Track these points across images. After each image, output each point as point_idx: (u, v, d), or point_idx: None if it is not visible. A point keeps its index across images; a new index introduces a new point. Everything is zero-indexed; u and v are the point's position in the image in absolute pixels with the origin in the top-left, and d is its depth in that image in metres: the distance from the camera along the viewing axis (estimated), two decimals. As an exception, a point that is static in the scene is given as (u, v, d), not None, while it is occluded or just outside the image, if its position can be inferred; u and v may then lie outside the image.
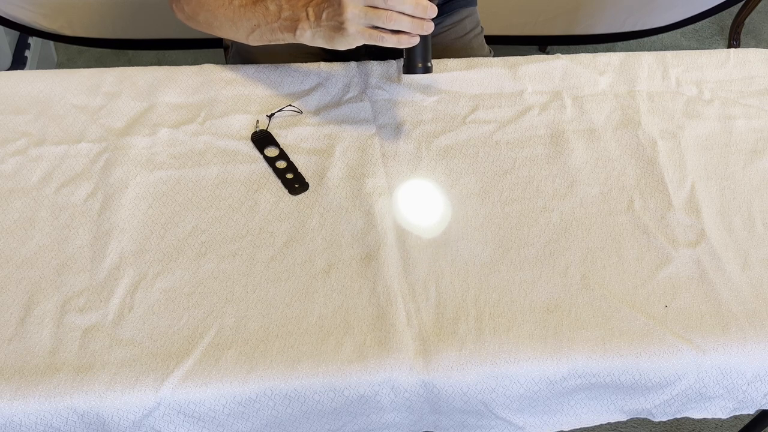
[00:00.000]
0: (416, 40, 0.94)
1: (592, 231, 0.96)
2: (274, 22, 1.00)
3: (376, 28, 0.93)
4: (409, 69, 0.97)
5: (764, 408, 0.92)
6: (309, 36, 0.98)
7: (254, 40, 1.04)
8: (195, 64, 1.13)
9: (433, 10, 0.92)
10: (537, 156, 1.04)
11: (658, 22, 1.98)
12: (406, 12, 0.91)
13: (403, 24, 0.92)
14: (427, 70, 0.97)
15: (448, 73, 1.13)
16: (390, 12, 0.91)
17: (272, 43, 1.03)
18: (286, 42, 1.02)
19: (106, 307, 0.86)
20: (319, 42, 0.98)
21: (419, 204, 0.98)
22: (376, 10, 0.92)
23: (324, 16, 0.95)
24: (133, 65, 1.19)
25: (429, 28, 0.93)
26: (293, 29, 0.99)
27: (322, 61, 1.15)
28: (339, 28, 0.94)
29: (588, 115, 1.09)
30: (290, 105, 1.08)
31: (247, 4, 1.03)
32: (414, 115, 1.08)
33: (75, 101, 1.07)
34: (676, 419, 1.60)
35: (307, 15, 0.97)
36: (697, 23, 2.25)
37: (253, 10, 1.02)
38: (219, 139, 1.04)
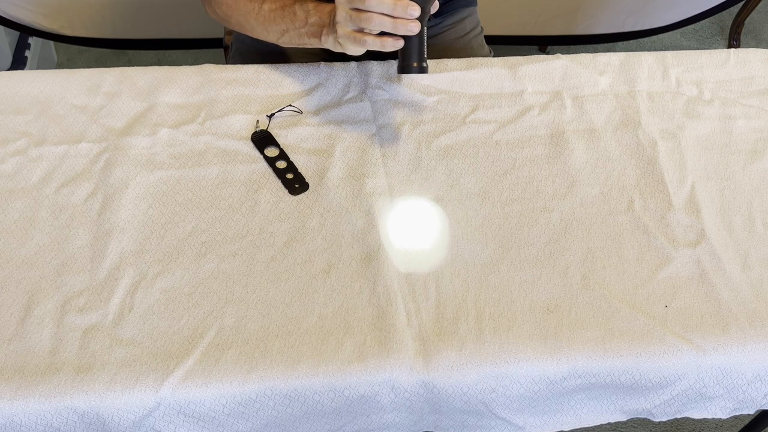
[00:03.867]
0: (401, 43, 0.93)
1: (592, 231, 0.96)
2: (301, 28, 1.02)
3: (368, 32, 0.93)
4: (403, 69, 0.97)
5: (764, 408, 0.92)
6: (332, 42, 0.99)
7: (285, 43, 1.07)
8: (195, 64, 1.13)
9: (414, 9, 0.91)
10: (537, 156, 1.04)
11: (658, 22, 1.98)
12: (385, 12, 0.91)
13: (385, 25, 0.91)
14: (422, 70, 0.97)
15: (448, 73, 1.13)
16: (370, 13, 0.91)
17: (302, 46, 1.05)
18: (314, 47, 1.03)
19: (106, 307, 0.86)
20: (339, 48, 0.98)
21: (419, 204, 0.98)
22: (359, 13, 0.92)
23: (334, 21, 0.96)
24: (133, 65, 1.19)
25: (414, 29, 0.92)
26: (319, 35, 1.00)
27: (323, 61, 1.15)
28: (335, 32, 0.95)
29: (588, 115, 1.09)
30: (290, 105, 1.08)
31: (275, 9, 1.04)
32: (414, 115, 1.08)
33: (75, 101, 1.07)
34: (676, 419, 1.60)
35: (330, 22, 0.98)
36: (697, 23, 2.25)
37: (282, 15, 1.03)
38: (219, 139, 1.04)
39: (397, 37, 0.93)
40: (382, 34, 0.93)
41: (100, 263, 0.90)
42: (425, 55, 0.97)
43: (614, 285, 0.91)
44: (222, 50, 1.63)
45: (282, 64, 1.13)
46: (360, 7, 0.91)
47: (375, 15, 0.91)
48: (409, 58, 0.96)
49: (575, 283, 0.91)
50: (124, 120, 1.05)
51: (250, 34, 1.11)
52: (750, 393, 0.89)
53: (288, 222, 0.95)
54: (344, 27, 0.94)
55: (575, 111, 1.10)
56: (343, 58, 1.14)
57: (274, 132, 1.05)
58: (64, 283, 0.88)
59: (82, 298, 0.87)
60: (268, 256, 0.92)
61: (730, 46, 2.37)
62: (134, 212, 0.95)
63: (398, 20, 0.91)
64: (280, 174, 1.00)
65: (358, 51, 0.97)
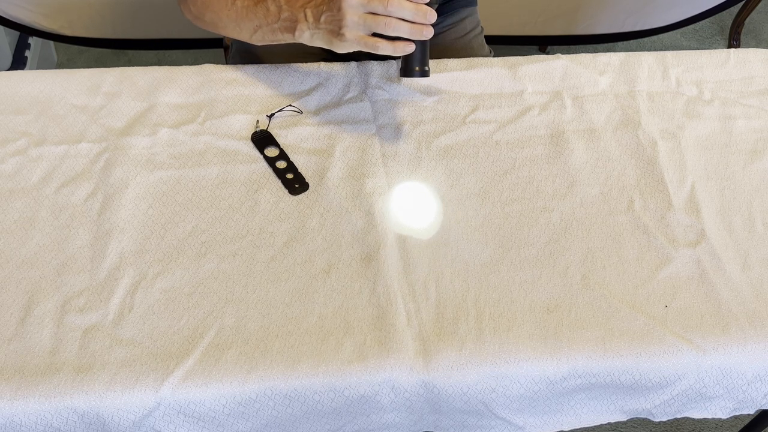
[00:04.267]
0: (412, 48, 0.93)
1: (592, 231, 0.96)
2: (274, 23, 1.01)
3: (375, 34, 0.93)
4: (406, 73, 0.97)
5: (764, 408, 0.92)
6: (308, 37, 0.98)
7: (257, 40, 1.05)
8: (195, 64, 1.13)
9: (432, 15, 0.91)
10: (537, 156, 1.04)
11: (658, 22, 1.98)
12: (406, 18, 0.91)
13: (403, 30, 0.91)
14: (424, 74, 0.97)
15: (448, 73, 1.13)
16: (389, 18, 0.91)
17: (275, 42, 1.04)
18: (287, 42, 1.02)
19: (106, 307, 0.86)
20: (318, 43, 0.98)
21: (419, 204, 0.99)
22: (375, 17, 0.91)
23: (323, 19, 0.95)
24: (133, 65, 1.19)
25: (428, 34, 0.92)
26: (292, 30, 0.99)
27: (323, 61, 1.15)
28: (337, 33, 0.94)
29: (588, 115, 1.09)
30: (290, 105, 1.08)
31: (248, 5, 1.03)
32: (414, 115, 1.08)
33: (75, 101, 1.07)
34: (676, 419, 1.60)
35: (305, 16, 0.97)
36: (697, 23, 2.25)
37: (255, 10, 1.02)
38: (219, 139, 1.04)
39: (408, 41, 0.93)
40: (393, 37, 0.93)
41: (100, 263, 0.90)
42: (428, 59, 0.97)
43: (614, 285, 0.91)
44: (222, 50, 1.63)
45: (282, 64, 1.13)
46: (380, 12, 0.91)
47: (394, 20, 0.91)
48: (413, 62, 0.96)
49: (575, 283, 0.91)
50: (124, 120, 1.05)
51: (222, 33, 1.10)
52: (750, 393, 0.89)
53: (288, 222, 0.95)
54: (355, 31, 0.93)
55: (575, 111, 1.10)
56: (343, 57, 1.15)
57: (274, 132, 1.05)
58: (64, 283, 0.88)
59: (82, 298, 0.87)
60: (268, 256, 0.92)
61: (730, 46, 2.37)
62: (134, 212, 0.95)
63: (415, 25, 0.91)
64: (280, 174, 1.00)
65: (348, 50, 0.96)
